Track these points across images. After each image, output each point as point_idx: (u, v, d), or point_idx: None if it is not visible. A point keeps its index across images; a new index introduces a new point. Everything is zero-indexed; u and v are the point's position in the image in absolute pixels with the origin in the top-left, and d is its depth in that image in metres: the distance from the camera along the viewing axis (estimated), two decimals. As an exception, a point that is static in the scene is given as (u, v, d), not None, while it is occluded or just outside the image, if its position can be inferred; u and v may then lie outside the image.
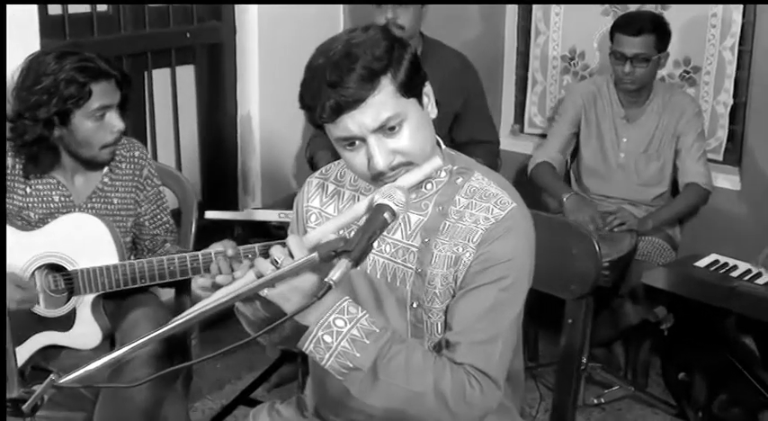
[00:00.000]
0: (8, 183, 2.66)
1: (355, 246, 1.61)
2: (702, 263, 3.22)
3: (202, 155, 4.36)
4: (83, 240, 2.63)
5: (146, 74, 3.92)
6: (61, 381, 1.55)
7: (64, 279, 2.63)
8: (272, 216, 3.13)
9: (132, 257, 2.85)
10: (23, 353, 2.64)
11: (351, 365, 1.71)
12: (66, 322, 2.66)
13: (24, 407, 1.51)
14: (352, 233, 1.88)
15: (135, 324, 2.65)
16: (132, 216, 2.82)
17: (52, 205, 2.69)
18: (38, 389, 1.55)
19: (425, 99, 1.81)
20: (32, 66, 2.58)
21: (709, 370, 3.59)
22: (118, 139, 2.66)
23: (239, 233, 3.20)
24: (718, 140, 4.05)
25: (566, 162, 4.13)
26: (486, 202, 1.85)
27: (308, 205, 2.04)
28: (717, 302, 3.07)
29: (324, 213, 2.01)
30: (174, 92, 4.08)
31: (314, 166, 4.00)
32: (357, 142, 1.75)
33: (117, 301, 2.79)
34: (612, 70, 3.75)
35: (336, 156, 3.87)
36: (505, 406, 2.05)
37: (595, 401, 3.68)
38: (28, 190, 2.67)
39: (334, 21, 4.54)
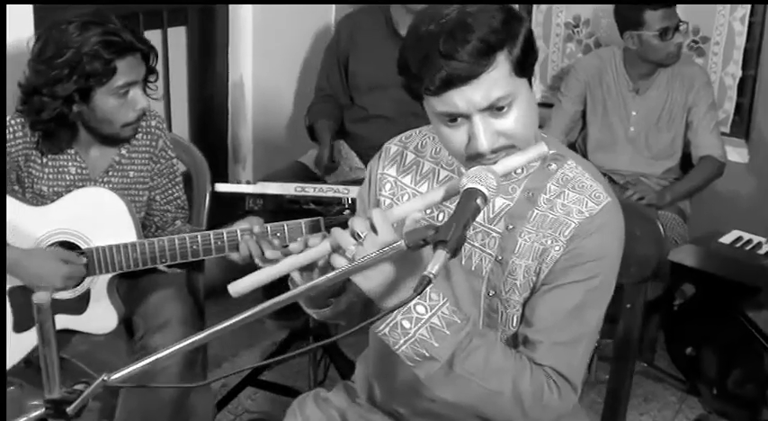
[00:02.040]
0: (26, 151, 2.47)
1: (451, 236, 1.46)
2: (726, 239, 3.16)
3: (192, 120, 4.18)
4: (99, 216, 2.47)
5: (137, 35, 3.70)
6: (113, 378, 1.38)
7: (78, 258, 2.46)
8: (287, 189, 2.96)
9: (141, 235, 2.70)
10: (29, 340, 2.46)
11: (427, 354, 1.59)
12: (78, 305, 2.50)
13: (69, 409, 1.35)
14: (440, 216, 1.80)
15: (160, 307, 2.50)
16: (147, 190, 2.66)
17: (68, 177, 2.51)
18: (82, 389, 1.40)
19: (534, 78, 1.68)
20: (53, 35, 2.36)
21: (720, 345, 3.55)
22: (140, 117, 2.48)
23: (250, 207, 3.03)
24: (726, 113, 3.96)
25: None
26: (580, 194, 1.73)
27: (382, 172, 1.91)
28: (748, 280, 3.02)
29: (400, 183, 1.88)
30: (165, 54, 3.88)
31: (313, 136, 3.86)
32: (459, 119, 1.61)
33: (130, 282, 2.65)
34: (652, 48, 3.60)
35: (338, 126, 3.82)
36: (578, 406, 1.95)
37: (607, 377, 3.60)
38: (44, 160, 2.49)
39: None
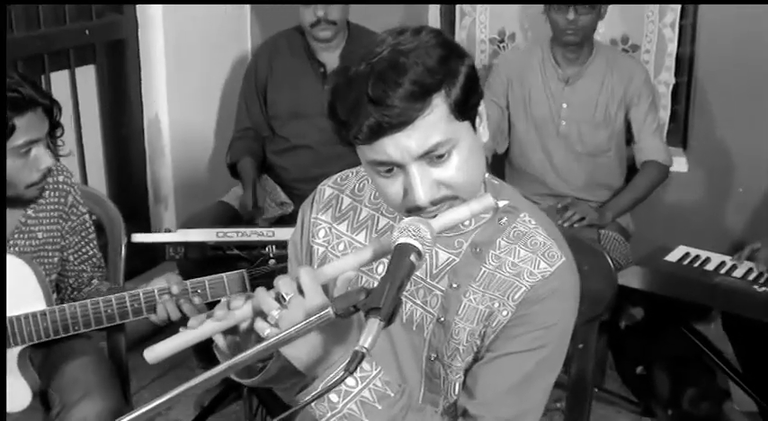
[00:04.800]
0: None
1: (384, 302, 1.30)
2: (673, 257, 3.03)
3: (108, 163, 4.01)
4: (3, 285, 2.25)
5: (42, 78, 3.51)
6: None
7: (-18, 332, 2.25)
8: (209, 236, 2.79)
9: (56, 297, 2.48)
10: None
11: None
12: (-13, 382, 2.28)
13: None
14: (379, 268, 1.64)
15: (76, 379, 2.31)
16: (59, 251, 2.45)
17: None
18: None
19: (478, 120, 1.50)
20: None
21: (670, 363, 3.44)
22: (45, 176, 2.28)
23: (171, 255, 2.85)
24: (661, 120, 3.83)
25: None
26: (533, 253, 1.57)
27: (316, 217, 1.73)
28: (697, 299, 2.89)
29: (335, 229, 1.71)
30: (74, 96, 3.70)
31: (235, 173, 3.67)
32: (395, 168, 1.44)
33: (44, 350, 2.44)
34: (552, 25, 3.45)
35: (261, 163, 3.64)
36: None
37: (558, 406, 3.47)
38: None
39: (242, 10, 4.24)
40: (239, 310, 1.45)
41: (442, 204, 1.46)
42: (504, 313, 1.55)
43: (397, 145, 1.40)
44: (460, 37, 4.20)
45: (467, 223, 1.58)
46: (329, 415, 1.43)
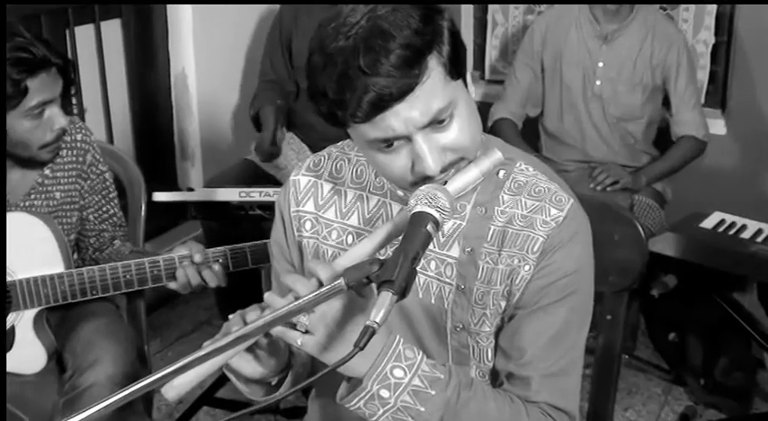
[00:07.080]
0: None
1: (398, 274, 1.23)
2: (708, 224, 2.91)
3: (134, 119, 3.94)
4: (22, 245, 2.21)
5: (67, 32, 3.46)
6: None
7: (-2, 292, 2.22)
8: (231, 195, 2.73)
9: (76, 257, 2.44)
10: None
11: None
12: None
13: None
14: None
15: (90, 343, 2.26)
16: (77, 210, 2.40)
17: None
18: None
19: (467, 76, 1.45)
20: None
21: (704, 330, 3.36)
22: (60, 136, 2.23)
23: (193, 215, 2.80)
24: (699, 82, 3.72)
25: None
26: (539, 201, 1.51)
27: (298, 210, 1.65)
28: (733, 269, 2.79)
29: (322, 219, 1.63)
30: (99, 50, 3.64)
31: (258, 126, 3.60)
32: (396, 142, 1.37)
33: (62, 311, 2.40)
34: None
35: (284, 112, 3.57)
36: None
37: (587, 372, 3.40)
38: None
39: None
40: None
41: (449, 170, 1.40)
42: (527, 268, 1.49)
43: (399, 117, 1.33)
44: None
45: None
46: (380, 411, 1.37)
